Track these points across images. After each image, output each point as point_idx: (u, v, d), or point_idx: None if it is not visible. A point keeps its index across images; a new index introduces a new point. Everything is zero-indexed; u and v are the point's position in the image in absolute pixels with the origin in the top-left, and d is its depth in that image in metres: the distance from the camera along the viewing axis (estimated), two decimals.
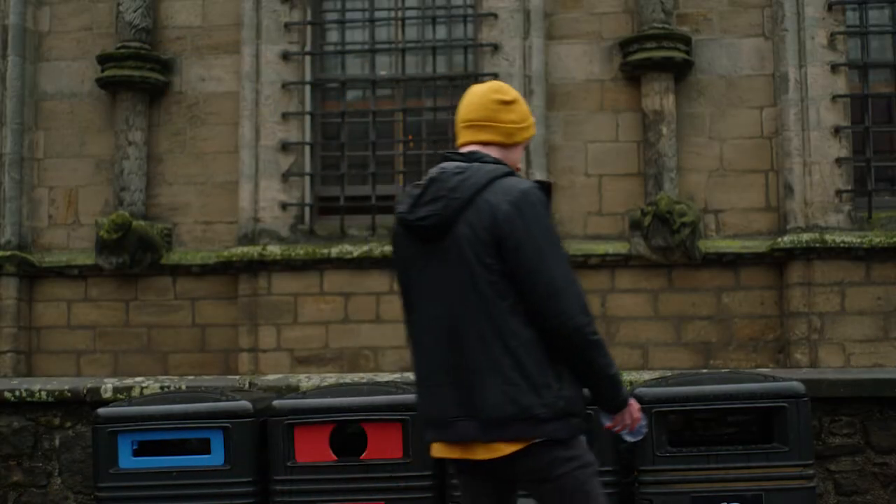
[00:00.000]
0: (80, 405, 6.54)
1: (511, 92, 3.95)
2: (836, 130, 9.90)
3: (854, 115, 10.05)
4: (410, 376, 6.66)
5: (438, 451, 3.84)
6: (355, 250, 10.05)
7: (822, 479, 5.94)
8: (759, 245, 9.81)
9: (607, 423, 3.97)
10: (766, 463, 5.28)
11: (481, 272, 3.67)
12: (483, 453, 3.70)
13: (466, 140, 3.91)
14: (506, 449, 3.65)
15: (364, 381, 6.49)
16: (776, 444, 5.32)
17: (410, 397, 5.49)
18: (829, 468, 6.03)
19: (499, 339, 3.65)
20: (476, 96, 3.94)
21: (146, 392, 6.42)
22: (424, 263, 3.79)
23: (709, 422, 5.69)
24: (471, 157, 3.83)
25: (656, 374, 6.41)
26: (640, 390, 5.39)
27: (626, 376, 6.01)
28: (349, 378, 6.83)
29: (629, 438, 4.14)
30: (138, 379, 6.75)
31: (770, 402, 5.39)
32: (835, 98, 9.92)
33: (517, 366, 3.64)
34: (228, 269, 10.26)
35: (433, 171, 3.82)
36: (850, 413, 6.08)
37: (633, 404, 3.92)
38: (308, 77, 10.58)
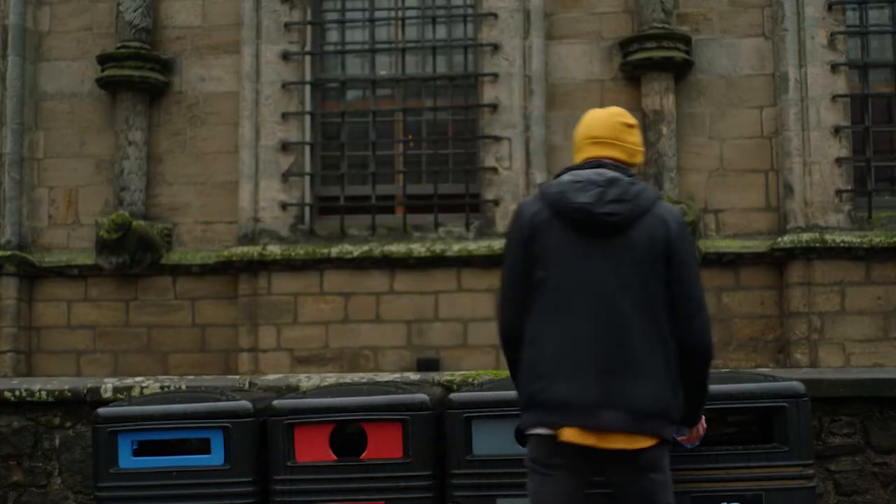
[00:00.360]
0: (80, 405, 6.53)
1: (631, 117, 4.33)
2: (836, 130, 9.90)
3: (854, 114, 10.06)
4: (411, 376, 6.67)
5: (570, 435, 3.95)
6: (355, 250, 10.05)
7: (822, 479, 5.93)
8: (759, 245, 9.82)
9: (682, 436, 4.44)
10: (766, 463, 5.27)
11: (654, 279, 4.01)
12: (622, 443, 3.93)
13: (594, 155, 4.21)
14: (644, 442, 3.95)
15: (364, 380, 6.49)
16: (776, 444, 5.31)
17: (410, 397, 5.49)
18: (829, 468, 6.02)
19: (659, 342, 3.98)
20: (601, 117, 4.30)
21: (146, 392, 6.42)
22: (583, 256, 4.02)
23: (708, 421, 5.67)
24: (626, 172, 4.16)
25: None
26: None
27: None
28: (349, 378, 6.82)
29: (688, 446, 4.67)
30: (138, 379, 6.74)
31: (770, 402, 5.37)
32: (835, 98, 9.92)
33: (667, 369, 3.99)
34: (228, 269, 10.27)
35: (595, 174, 4.10)
36: (850, 413, 6.07)
37: (702, 417, 4.42)
38: (308, 77, 10.59)
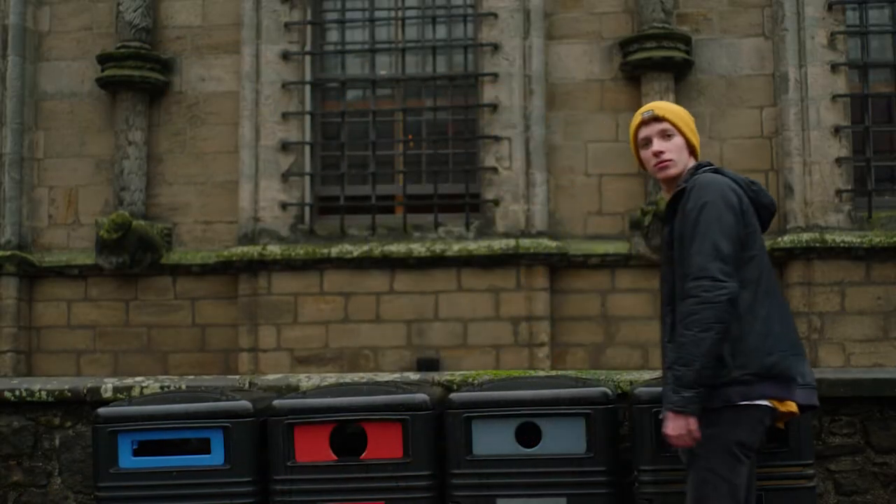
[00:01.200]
0: (80, 405, 6.53)
1: None
2: (836, 130, 9.90)
3: (854, 114, 10.06)
4: (411, 376, 6.67)
5: (792, 407, 4.22)
6: (355, 250, 10.05)
7: (822, 479, 5.93)
8: None
9: None
10: (766, 463, 5.25)
11: None
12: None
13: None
14: None
15: (364, 380, 6.49)
16: (776, 445, 5.30)
17: (410, 397, 5.49)
18: (829, 468, 6.02)
19: None
20: None
21: (146, 392, 6.41)
22: (764, 245, 4.33)
23: None
24: None
25: (656, 374, 6.40)
26: (640, 390, 5.38)
27: (626, 376, 6.01)
28: (349, 378, 6.82)
29: None
30: (138, 379, 6.74)
31: None
32: (835, 98, 9.92)
33: None
34: (228, 269, 10.27)
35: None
36: (850, 413, 6.06)
37: None
38: (308, 77, 10.59)
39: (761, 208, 4.32)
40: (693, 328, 4.04)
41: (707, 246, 4.08)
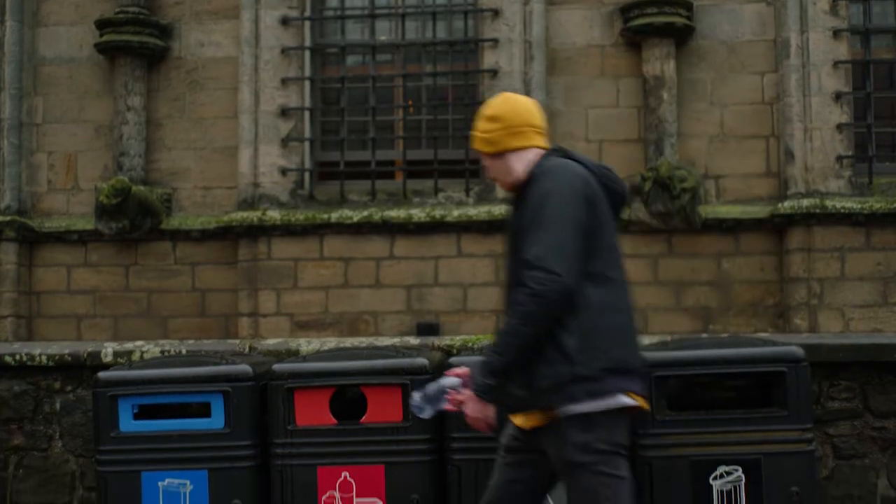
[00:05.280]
0: (81, 369, 6.55)
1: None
2: (838, 96, 9.87)
3: (855, 80, 10.02)
4: (410, 340, 6.69)
5: (644, 403, 4.07)
6: (355, 215, 10.04)
7: (821, 443, 5.96)
8: (759, 211, 9.80)
9: None
10: (766, 427, 5.30)
11: None
12: None
13: (549, 146, 4.21)
14: None
15: (364, 345, 6.51)
16: (775, 409, 5.33)
17: (410, 361, 5.52)
18: (828, 432, 6.05)
19: None
20: (536, 107, 4.29)
21: (146, 356, 6.44)
22: (614, 232, 4.11)
23: (708, 386, 5.69)
24: None
25: (656, 339, 6.42)
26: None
27: None
28: (349, 342, 6.84)
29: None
30: (138, 343, 6.76)
31: (769, 367, 5.39)
32: (836, 64, 9.88)
33: None
34: (228, 234, 10.26)
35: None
36: (848, 378, 6.09)
37: None
38: (308, 42, 10.54)
39: (613, 195, 4.09)
40: (517, 318, 3.87)
41: (548, 236, 3.86)
